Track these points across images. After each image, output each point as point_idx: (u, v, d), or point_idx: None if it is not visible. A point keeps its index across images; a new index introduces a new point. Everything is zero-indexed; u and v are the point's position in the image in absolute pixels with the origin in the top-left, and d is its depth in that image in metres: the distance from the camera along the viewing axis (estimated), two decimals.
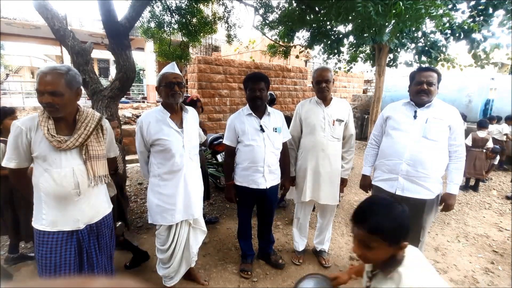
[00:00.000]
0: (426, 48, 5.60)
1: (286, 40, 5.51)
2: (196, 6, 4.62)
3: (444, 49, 5.62)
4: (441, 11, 2.63)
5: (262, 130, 2.07)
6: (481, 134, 4.52)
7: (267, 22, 5.05)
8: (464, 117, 5.89)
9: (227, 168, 2.23)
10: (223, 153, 2.37)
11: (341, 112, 2.22)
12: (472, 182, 4.64)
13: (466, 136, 4.77)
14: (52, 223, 1.35)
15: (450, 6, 4.93)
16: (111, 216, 1.60)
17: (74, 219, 1.39)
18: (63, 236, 1.37)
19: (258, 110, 2.12)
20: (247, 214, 2.30)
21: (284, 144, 2.23)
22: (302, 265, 2.41)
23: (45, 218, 1.35)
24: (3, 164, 1.37)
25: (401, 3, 2.10)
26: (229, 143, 2.18)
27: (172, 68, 1.75)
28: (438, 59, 5.68)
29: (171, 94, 1.71)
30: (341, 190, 2.35)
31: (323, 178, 2.24)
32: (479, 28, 4.59)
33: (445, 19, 3.48)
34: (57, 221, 1.36)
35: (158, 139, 1.71)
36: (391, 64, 6.69)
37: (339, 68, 7.33)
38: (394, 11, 2.14)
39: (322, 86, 2.15)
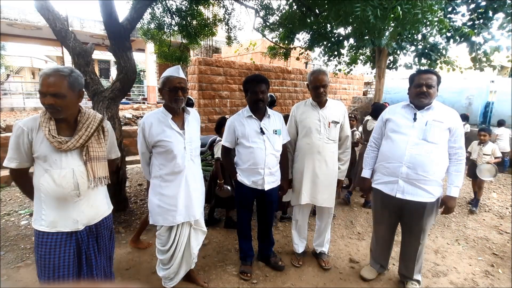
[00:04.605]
0: (426, 50, 5.63)
1: (286, 42, 5.53)
2: (196, 8, 4.64)
3: (444, 52, 5.64)
4: (440, 14, 2.65)
5: (262, 132, 2.08)
6: None
7: (268, 24, 5.07)
8: (467, 118, 5.88)
9: (229, 165, 2.25)
10: None
11: (336, 114, 2.23)
12: None
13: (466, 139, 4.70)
14: (51, 224, 1.35)
15: (450, 9, 4.95)
16: (111, 217, 1.60)
17: (73, 220, 1.38)
18: (62, 237, 1.37)
19: (259, 112, 2.12)
20: (247, 214, 2.30)
21: (284, 146, 2.23)
22: (302, 267, 2.41)
23: (44, 219, 1.35)
24: (4, 164, 1.37)
25: (399, 8, 2.11)
26: (228, 145, 2.19)
27: (177, 72, 1.74)
28: (438, 61, 5.71)
29: (174, 100, 1.72)
30: (336, 191, 2.35)
31: (320, 180, 2.24)
32: (474, 33, 4.62)
33: (442, 25, 3.50)
34: (56, 222, 1.36)
35: (160, 141, 1.72)
36: (391, 66, 6.72)
37: (339, 70, 7.35)
38: (392, 15, 2.16)
39: (320, 91, 2.15)
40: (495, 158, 3.79)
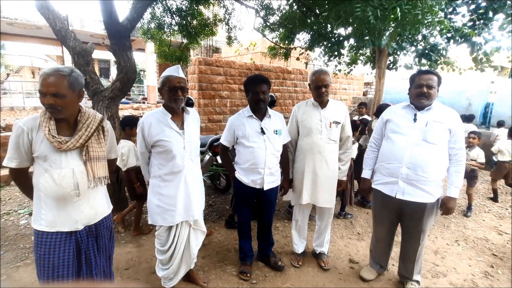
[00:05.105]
0: (426, 51, 5.63)
1: (286, 42, 5.53)
2: (196, 8, 4.64)
3: (444, 52, 5.64)
4: (441, 14, 2.65)
5: (262, 132, 2.08)
6: None
7: (268, 24, 5.07)
8: (471, 118, 5.87)
9: (228, 162, 2.26)
10: None
11: (337, 114, 2.23)
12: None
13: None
14: (50, 223, 1.35)
15: (450, 10, 4.95)
16: (110, 217, 1.59)
17: (73, 220, 1.38)
18: (61, 237, 1.37)
19: (259, 112, 2.12)
20: (246, 213, 2.29)
21: (284, 146, 2.23)
22: (301, 267, 2.41)
23: (44, 219, 1.35)
24: (4, 164, 1.37)
25: (398, 9, 2.11)
26: (226, 144, 2.19)
27: (176, 71, 1.74)
28: (438, 62, 5.70)
29: (174, 99, 1.71)
30: (338, 192, 2.35)
31: (321, 180, 2.24)
32: (475, 34, 4.62)
33: (442, 25, 3.50)
34: (56, 222, 1.35)
35: (159, 140, 1.72)
36: (391, 66, 6.72)
37: (339, 70, 7.35)
38: (392, 15, 2.16)
39: (321, 91, 2.14)
40: (478, 163, 3.75)
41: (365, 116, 4.56)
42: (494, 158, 4.66)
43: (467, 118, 5.77)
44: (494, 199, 4.38)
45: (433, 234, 3.11)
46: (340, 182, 2.33)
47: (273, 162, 2.12)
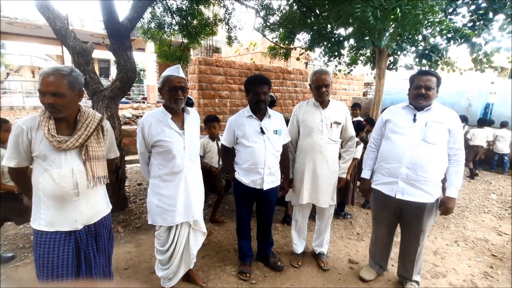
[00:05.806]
0: (426, 51, 5.62)
1: (286, 42, 5.53)
2: (196, 7, 4.65)
3: (444, 53, 5.64)
4: (441, 15, 2.66)
5: (262, 132, 2.08)
6: None
7: (268, 24, 5.07)
8: (466, 119, 5.92)
9: (228, 162, 2.27)
10: None
11: (338, 114, 2.23)
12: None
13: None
14: (50, 223, 1.35)
15: (450, 10, 4.96)
16: (110, 217, 1.59)
17: (72, 220, 1.38)
18: (60, 236, 1.37)
19: (259, 112, 2.12)
20: (246, 213, 2.29)
21: (284, 146, 2.23)
22: (301, 268, 2.41)
23: (43, 218, 1.35)
24: (3, 163, 1.37)
25: (398, 9, 2.11)
26: (226, 144, 2.20)
27: (176, 71, 1.74)
28: (438, 62, 5.70)
29: (174, 99, 1.71)
30: (339, 191, 2.35)
31: (321, 180, 2.24)
32: (475, 34, 4.63)
33: (443, 25, 3.51)
34: (55, 221, 1.36)
35: (159, 140, 1.71)
36: (391, 67, 6.72)
37: (339, 71, 7.36)
38: (392, 16, 2.16)
39: (322, 91, 2.14)
40: None
41: (359, 118, 4.57)
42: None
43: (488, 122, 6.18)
44: (471, 176, 5.59)
45: (433, 235, 3.11)
46: (339, 179, 2.33)
47: (273, 162, 2.12)
